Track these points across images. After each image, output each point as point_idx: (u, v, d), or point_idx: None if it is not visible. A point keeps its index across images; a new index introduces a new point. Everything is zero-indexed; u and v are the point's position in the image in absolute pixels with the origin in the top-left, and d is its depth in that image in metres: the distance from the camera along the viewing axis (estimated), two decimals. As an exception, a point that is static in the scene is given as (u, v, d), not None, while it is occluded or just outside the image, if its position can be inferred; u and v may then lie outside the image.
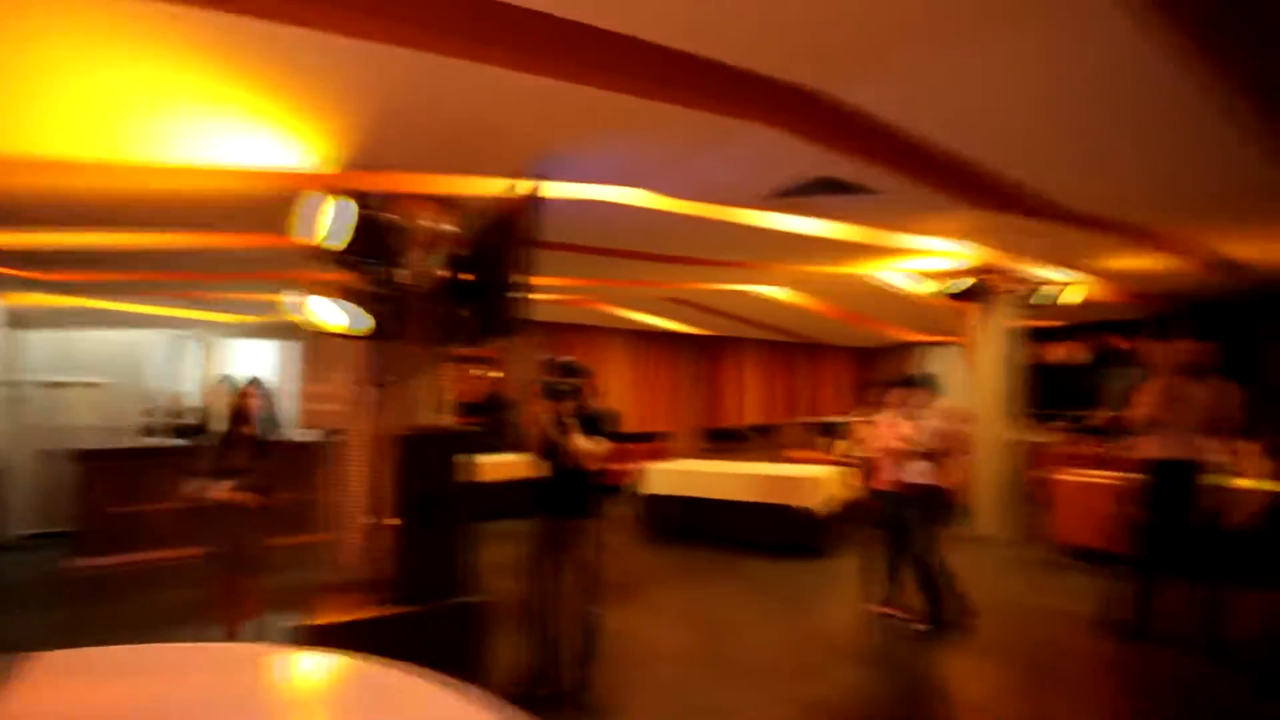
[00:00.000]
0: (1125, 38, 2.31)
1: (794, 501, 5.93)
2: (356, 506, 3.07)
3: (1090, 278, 6.98)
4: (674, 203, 4.03)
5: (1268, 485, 3.77)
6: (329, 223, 2.93)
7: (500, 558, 3.23)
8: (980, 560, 5.76)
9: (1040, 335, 11.79)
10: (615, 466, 9.27)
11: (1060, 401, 9.69)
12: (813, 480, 5.96)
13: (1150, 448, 3.80)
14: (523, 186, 2.75)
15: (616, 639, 3.91)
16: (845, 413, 10.26)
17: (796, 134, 2.96)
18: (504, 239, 2.84)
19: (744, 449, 11.10)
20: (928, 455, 4.07)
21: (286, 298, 3.41)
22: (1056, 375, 10.16)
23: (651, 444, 10.47)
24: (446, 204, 3.33)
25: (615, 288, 7.17)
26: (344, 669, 1.33)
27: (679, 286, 7.28)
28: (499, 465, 7.21)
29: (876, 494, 4.33)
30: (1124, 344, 10.17)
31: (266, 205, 3.56)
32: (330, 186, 3.06)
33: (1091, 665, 3.57)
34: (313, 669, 1.41)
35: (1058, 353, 10.39)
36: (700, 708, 3.08)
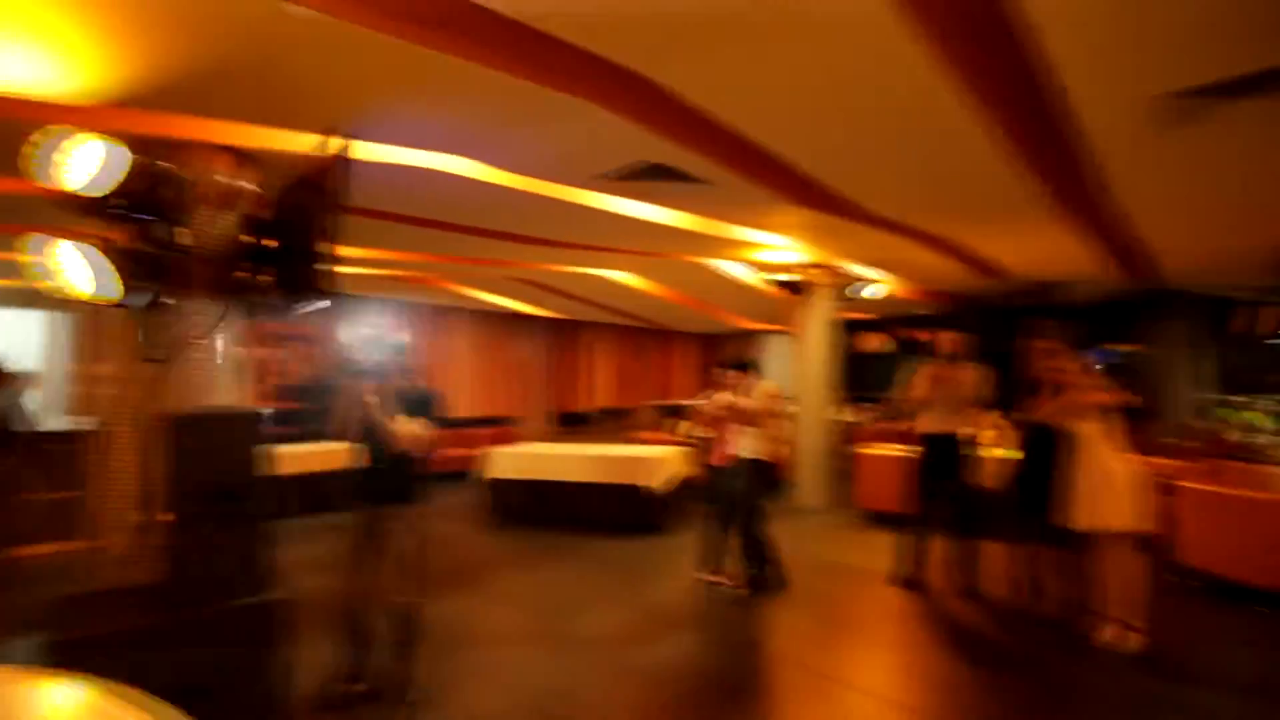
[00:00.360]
0: (895, 47, 2.52)
1: (636, 481, 6.10)
2: (123, 503, 2.64)
3: (892, 276, 7.91)
4: (506, 176, 3.92)
5: (1013, 454, 4.53)
6: (91, 167, 2.45)
7: (319, 552, 2.96)
8: (800, 527, 6.34)
9: (855, 326, 13.22)
10: (460, 452, 9.00)
11: (870, 385, 10.91)
12: (654, 460, 6.17)
13: (923, 423, 4.40)
14: (336, 145, 2.49)
15: (450, 627, 3.78)
16: (691, 396, 10.77)
17: (627, 116, 2.99)
18: (312, 202, 2.56)
19: (594, 432, 11.23)
20: (750, 428, 4.38)
21: (33, 257, 2.83)
22: (868, 362, 11.43)
23: (499, 428, 10.24)
24: (246, 158, 2.94)
25: (457, 265, 6.86)
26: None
27: (524, 267, 7.13)
28: (321, 454, 6.66)
29: (712, 469, 4.58)
30: (922, 335, 11.71)
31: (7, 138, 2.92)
32: (94, 123, 2.57)
33: (882, 612, 4.07)
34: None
35: (870, 342, 11.69)
36: (535, 687, 3.07)
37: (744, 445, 4.38)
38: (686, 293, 9.13)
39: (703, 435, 7.40)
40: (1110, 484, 3.42)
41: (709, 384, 4.91)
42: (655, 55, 2.59)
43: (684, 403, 10.32)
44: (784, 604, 4.21)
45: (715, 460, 4.54)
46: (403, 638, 2.94)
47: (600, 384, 12.38)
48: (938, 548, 4.45)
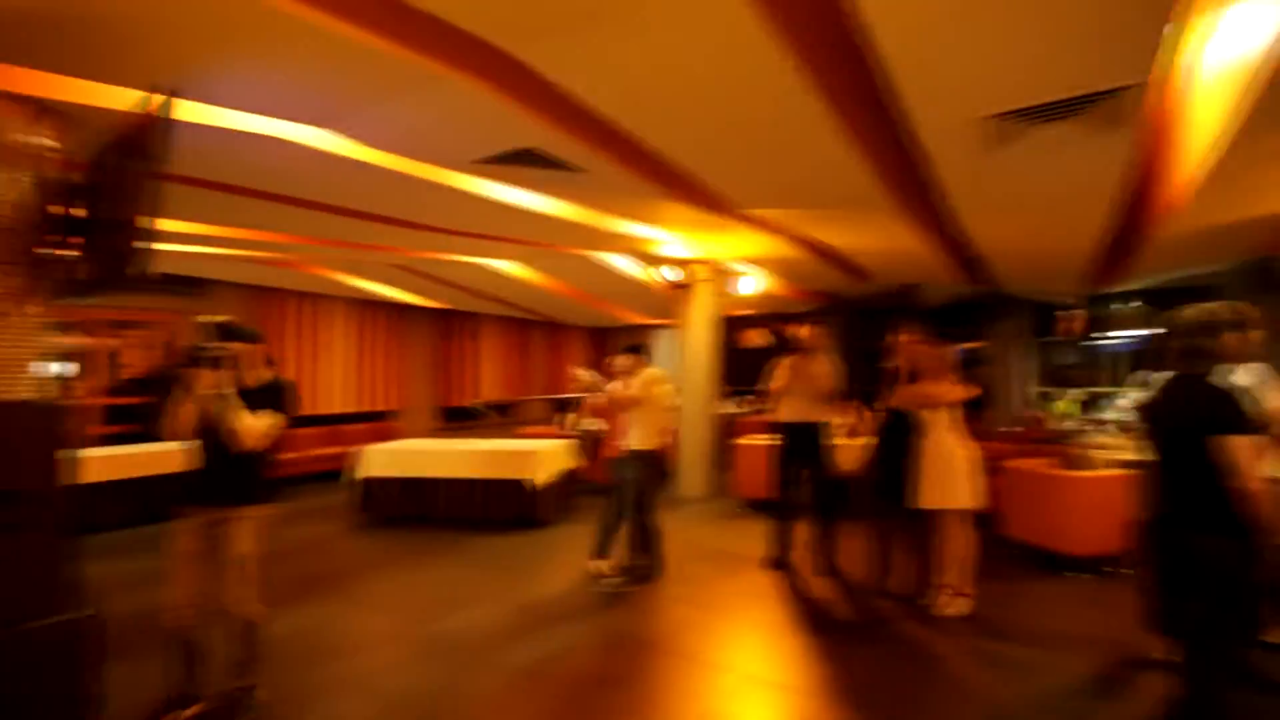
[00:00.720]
0: (749, 39, 2.54)
1: (519, 475, 5.99)
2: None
3: (768, 274, 8.31)
4: (370, 153, 3.68)
5: (868, 441, 4.91)
6: None
7: (153, 564, 2.62)
8: (682, 516, 6.52)
9: (738, 322, 13.78)
10: (333, 450, 8.42)
11: (750, 379, 11.43)
12: (538, 454, 6.08)
13: (781, 413, 4.67)
14: (160, 103, 2.20)
15: (309, 638, 3.52)
16: (581, 388, 10.74)
17: (498, 96, 2.90)
18: (130, 167, 2.25)
19: (480, 427, 10.91)
20: (639, 418, 4.44)
21: None
22: (749, 357, 11.94)
23: (378, 424, 9.68)
24: (49, 112, 2.54)
25: (324, 248, 6.37)
26: None
27: (401, 253, 6.77)
28: (160, 455, 5.99)
29: (605, 461, 4.60)
30: (799, 331, 12.43)
31: None
32: None
33: (753, 594, 4.26)
34: None
35: (751, 337, 12.22)
36: (398, 694, 2.92)
37: (632, 436, 4.42)
38: (574, 285, 9.08)
39: (592, 427, 7.43)
40: (951, 467, 3.79)
41: (603, 376, 4.93)
42: (519, 33, 2.51)
43: (572, 395, 10.30)
44: (663, 592, 4.30)
45: (609, 451, 4.57)
46: (242, 653, 2.69)
47: (487, 377, 12.04)
48: (801, 531, 4.73)
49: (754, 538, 5.26)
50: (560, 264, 7.52)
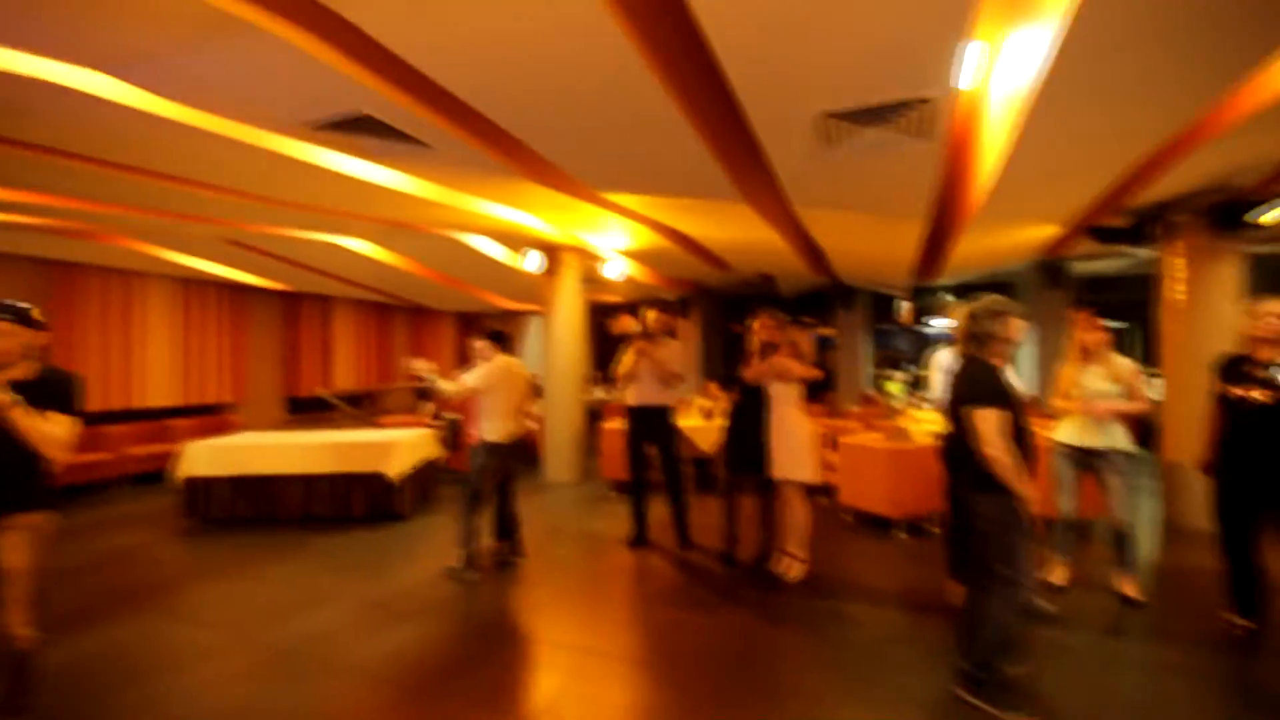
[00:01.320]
0: (591, 15, 2.51)
1: (374, 468, 5.67)
2: None
3: (634, 261, 8.47)
4: (180, 110, 3.26)
5: (718, 422, 5.20)
6: None
7: None
8: (549, 501, 6.52)
9: (608, 309, 13.92)
10: (156, 448, 7.44)
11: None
12: (395, 444, 5.78)
13: (629, 396, 4.82)
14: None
15: (115, 660, 3.10)
16: (447, 376, 10.32)
17: (324, 51, 2.66)
18: None
19: (332, 419, 10.16)
20: (488, 405, 4.34)
21: None
22: (619, 343, 12.12)
23: (211, 418, 8.70)
24: None
25: (136, 218, 5.58)
26: None
27: (232, 226, 6.08)
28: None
29: (469, 449, 4.46)
30: (645, 316, 12.79)
31: None
32: None
33: (613, 574, 4.37)
34: None
35: (621, 324, 12.39)
36: (229, 709, 2.66)
37: (485, 425, 4.33)
38: (436, 268, 8.69)
39: (451, 416, 7.17)
40: (794, 442, 4.10)
41: (467, 361, 4.77)
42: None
43: (412, 386, 9.86)
44: (523, 577, 4.28)
45: (471, 439, 4.44)
46: (11, 680, 2.32)
47: (342, 365, 11.23)
48: (658, 509, 4.91)
49: (618, 519, 5.38)
50: (419, 244, 7.16)
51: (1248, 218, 4.61)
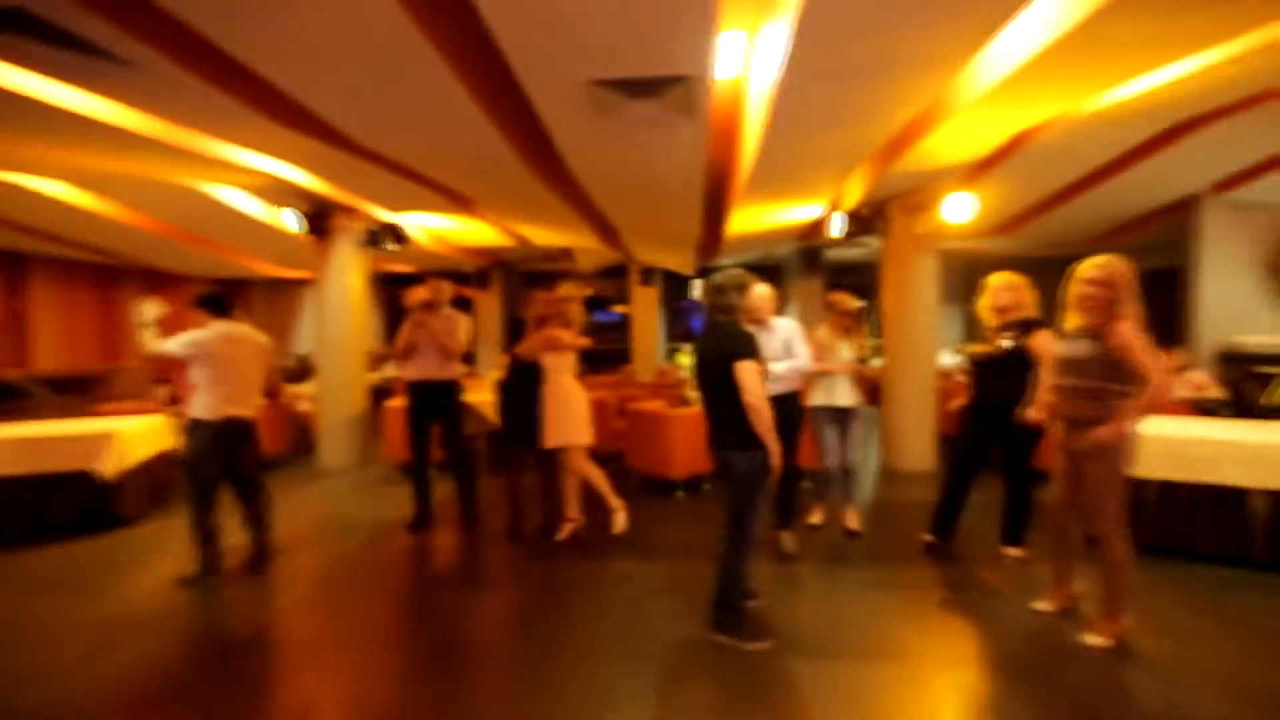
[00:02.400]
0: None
1: (83, 465, 4.63)
2: None
3: (427, 230, 7.95)
4: None
5: (488, 396, 5.06)
6: None
7: None
8: (326, 488, 5.93)
9: (401, 280, 12.98)
10: None
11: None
12: (112, 436, 4.77)
13: (408, 371, 4.57)
14: None
15: None
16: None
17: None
18: None
19: (28, 408, 8.14)
20: (203, 379, 3.70)
21: None
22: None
23: None
24: None
25: None
26: None
27: None
28: None
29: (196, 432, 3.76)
30: (466, 291, 12.27)
31: None
32: None
33: (389, 562, 4.08)
34: None
35: (416, 296, 11.61)
36: None
37: (197, 402, 3.70)
38: (177, 224, 7.31)
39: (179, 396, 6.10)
40: (570, 409, 4.15)
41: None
42: None
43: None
44: (282, 576, 3.82)
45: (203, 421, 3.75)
46: None
47: (44, 342, 9.01)
48: (445, 489, 4.71)
49: (402, 503, 5.05)
50: (149, 194, 5.93)
51: (939, 216, 5.64)
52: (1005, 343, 3.56)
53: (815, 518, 4.55)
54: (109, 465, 4.67)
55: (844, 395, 4.29)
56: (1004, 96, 3.60)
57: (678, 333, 13.60)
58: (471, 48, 3.12)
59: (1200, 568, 3.60)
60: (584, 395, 4.26)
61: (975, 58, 3.18)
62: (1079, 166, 5.65)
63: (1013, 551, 3.72)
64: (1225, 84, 3.77)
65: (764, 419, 2.71)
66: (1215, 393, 5.75)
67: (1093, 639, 2.75)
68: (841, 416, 4.33)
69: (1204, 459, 3.62)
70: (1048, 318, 3.37)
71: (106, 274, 9.81)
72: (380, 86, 3.43)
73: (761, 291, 3.76)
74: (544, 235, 8.47)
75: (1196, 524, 3.69)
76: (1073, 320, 2.85)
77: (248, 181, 5.69)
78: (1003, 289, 3.65)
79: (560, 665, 2.71)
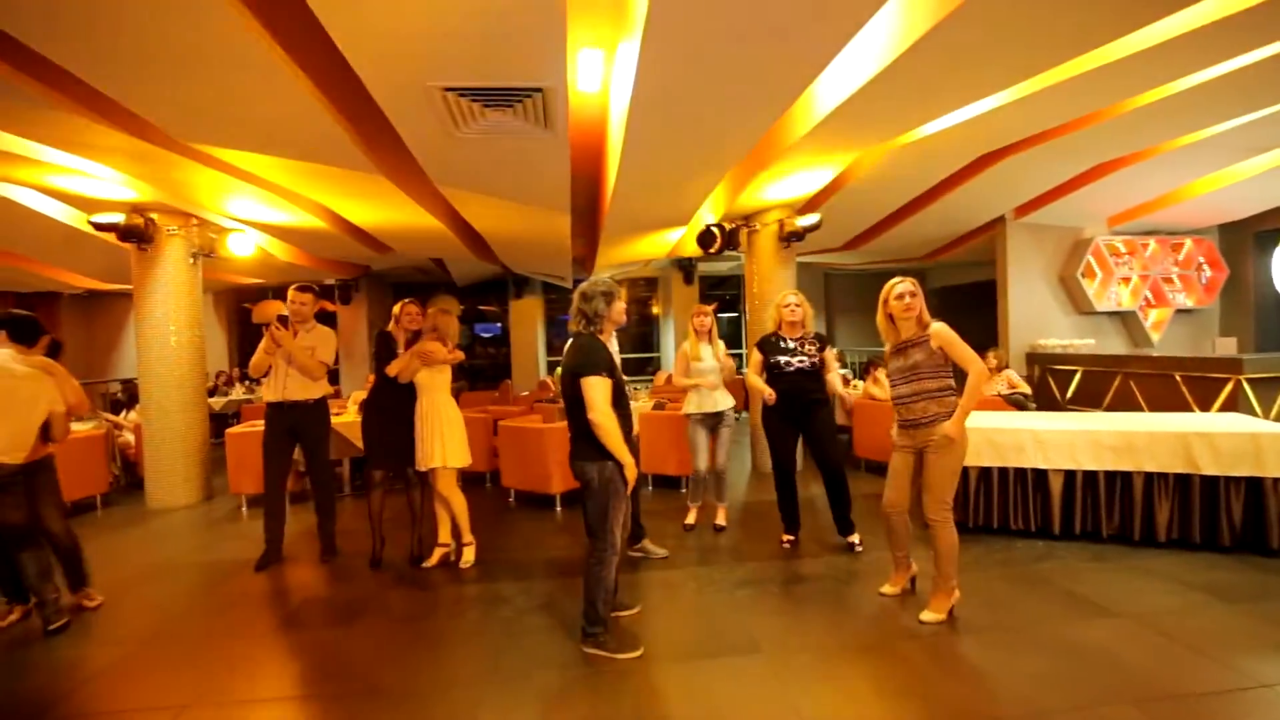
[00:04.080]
0: None
1: None
2: None
3: (274, 237, 7.31)
4: None
5: (356, 417, 4.78)
6: None
7: None
8: (158, 529, 5.23)
9: (253, 294, 11.87)
10: None
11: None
12: None
13: (267, 391, 4.19)
14: None
15: None
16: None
17: None
18: None
19: None
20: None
21: None
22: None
23: None
24: None
25: None
26: None
27: None
28: None
29: None
30: (330, 306, 11.42)
31: None
32: None
33: (229, 604, 3.65)
34: None
35: (269, 309, 10.64)
36: None
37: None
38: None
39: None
40: (445, 428, 3.96)
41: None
42: None
43: None
44: (91, 634, 3.31)
45: None
46: None
47: None
48: (302, 519, 4.33)
49: (250, 540, 4.58)
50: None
51: (794, 226, 6.06)
52: (813, 351, 4.04)
53: (689, 518, 4.70)
54: None
55: (715, 401, 4.49)
56: (838, 124, 3.95)
57: (560, 346, 13.51)
58: (316, 49, 2.93)
59: (1012, 541, 4.13)
60: (459, 413, 4.09)
61: (815, 79, 3.44)
62: (904, 192, 6.34)
63: (853, 538, 4.07)
64: (1020, 121, 4.40)
65: (608, 434, 2.71)
66: (1024, 388, 6.64)
67: (928, 616, 3.03)
68: (713, 421, 4.52)
69: (1012, 446, 4.16)
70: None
71: None
72: (212, 87, 3.12)
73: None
74: (412, 247, 8.10)
75: (1008, 504, 4.22)
76: (898, 334, 3.17)
77: (52, 182, 4.94)
78: (795, 304, 4.11)
79: (430, 698, 2.56)
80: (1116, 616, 3.06)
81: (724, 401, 4.52)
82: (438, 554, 4.11)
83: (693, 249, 7.63)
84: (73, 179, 4.86)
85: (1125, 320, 8.05)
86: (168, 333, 5.89)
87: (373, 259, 9.26)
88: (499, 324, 13.51)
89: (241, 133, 3.91)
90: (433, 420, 3.96)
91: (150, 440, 5.89)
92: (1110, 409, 6.35)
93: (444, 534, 4.17)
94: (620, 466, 2.77)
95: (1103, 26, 3.07)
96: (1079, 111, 4.38)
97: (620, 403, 2.85)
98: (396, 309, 4.14)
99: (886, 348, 3.28)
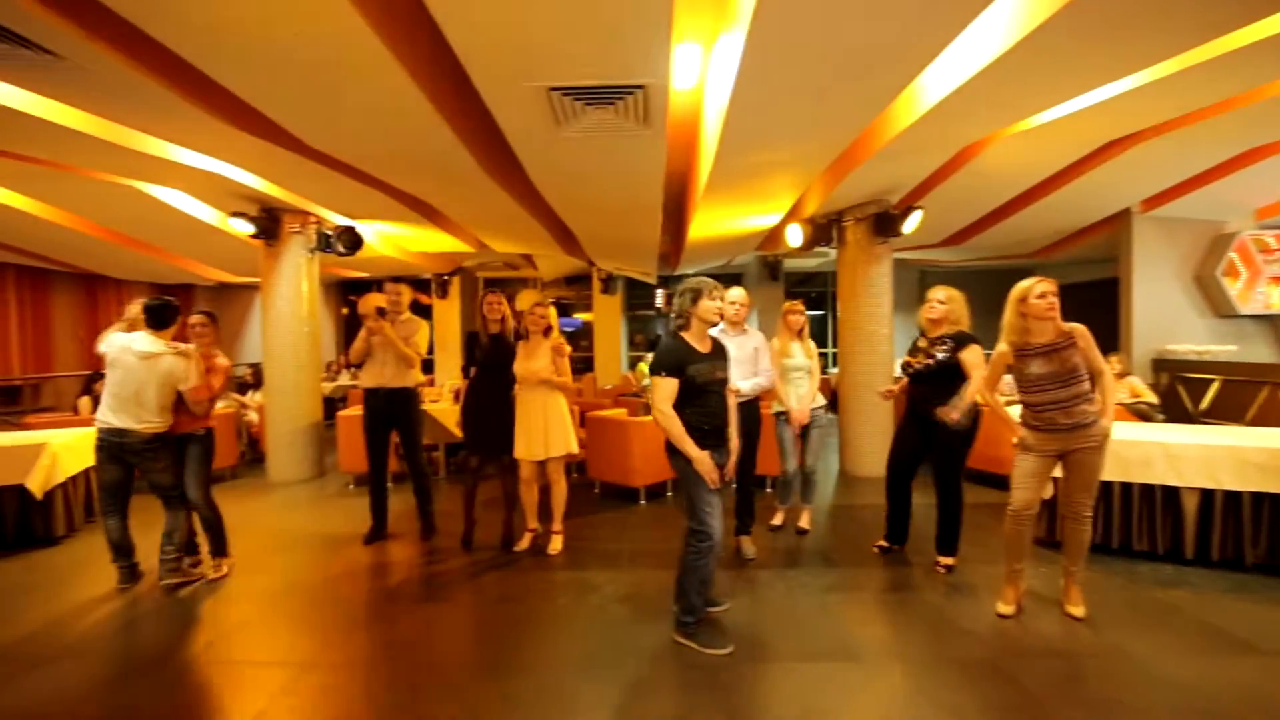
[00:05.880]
0: None
1: (10, 481, 4.38)
2: None
3: (381, 235, 7.78)
4: None
5: (448, 406, 5.01)
6: None
7: None
8: (276, 502, 5.71)
9: (357, 287, 12.69)
10: None
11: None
12: (43, 449, 4.51)
13: (364, 378, 4.45)
14: None
15: None
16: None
17: None
18: None
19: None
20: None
21: None
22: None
23: None
24: None
25: None
26: None
27: None
28: None
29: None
30: (425, 299, 12.04)
31: None
32: None
33: (342, 575, 3.94)
34: None
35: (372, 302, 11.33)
36: None
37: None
38: (113, 226, 6.98)
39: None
40: (550, 418, 4.08)
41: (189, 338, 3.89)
42: None
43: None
44: (233, 592, 3.66)
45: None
46: None
47: (-34, 349, 8.46)
48: (402, 499, 4.59)
49: (356, 515, 4.91)
50: (82, 193, 5.65)
51: (893, 228, 5.81)
52: (940, 354, 3.69)
53: (776, 519, 4.62)
54: (38, 480, 4.41)
55: (803, 400, 4.37)
56: (948, 113, 3.74)
57: (640, 341, 13.62)
58: (429, 55, 3.08)
59: (1135, 563, 3.78)
60: (565, 405, 4.17)
61: (923, 71, 3.29)
62: (1019, 182, 5.91)
63: (946, 560, 3.80)
64: (1151, 107, 4.01)
65: (669, 431, 2.78)
66: (1150, 397, 6.06)
67: (1077, 610, 3.09)
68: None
69: (1138, 460, 3.81)
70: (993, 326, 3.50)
71: (33, 277, 9.28)
72: (335, 91, 3.35)
73: (734, 296, 3.85)
74: (504, 242, 8.39)
75: (1130, 523, 3.87)
76: (1029, 335, 2.98)
77: (192, 183, 5.47)
78: (938, 301, 3.79)
79: (520, 676, 2.66)
80: (1266, 654, 2.75)
81: (807, 400, 4.37)
82: (528, 539, 4.25)
83: (781, 245, 7.47)
84: (208, 180, 5.36)
85: (1275, 324, 7.19)
86: (289, 322, 6.40)
87: (468, 255, 9.67)
88: (582, 318, 13.77)
89: (367, 140, 4.18)
90: (540, 411, 4.06)
91: (271, 420, 6.43)
92: (1254, 424, 5.69)
93: (532, 519, 4.31)
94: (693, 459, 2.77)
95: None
96: (1226, 93, 3.94)
97: (708, 399, 2.83)
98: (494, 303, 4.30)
99: (1003, 348, 3.09)
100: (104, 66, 2.94)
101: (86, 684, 2.68)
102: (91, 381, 6.78)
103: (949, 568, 3.77)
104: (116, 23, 2.64)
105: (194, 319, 3.93)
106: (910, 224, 5.72)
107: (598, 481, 5.76)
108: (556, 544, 4.20)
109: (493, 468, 4.33)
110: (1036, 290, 2.94)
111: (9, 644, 3.05)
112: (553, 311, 4.23)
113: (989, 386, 3.30)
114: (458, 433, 6.00)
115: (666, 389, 2.77)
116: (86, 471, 4.94)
